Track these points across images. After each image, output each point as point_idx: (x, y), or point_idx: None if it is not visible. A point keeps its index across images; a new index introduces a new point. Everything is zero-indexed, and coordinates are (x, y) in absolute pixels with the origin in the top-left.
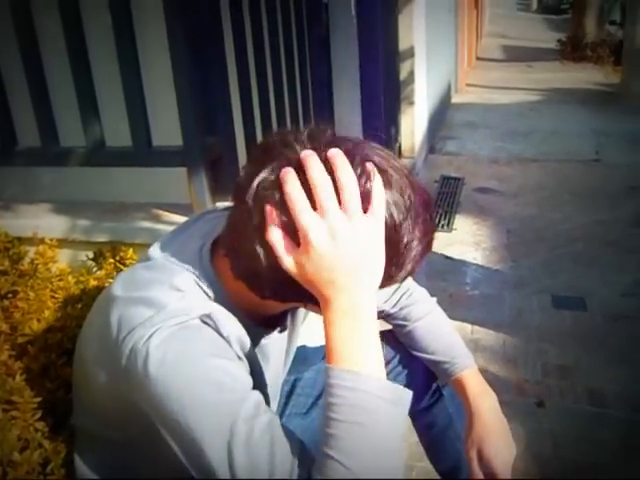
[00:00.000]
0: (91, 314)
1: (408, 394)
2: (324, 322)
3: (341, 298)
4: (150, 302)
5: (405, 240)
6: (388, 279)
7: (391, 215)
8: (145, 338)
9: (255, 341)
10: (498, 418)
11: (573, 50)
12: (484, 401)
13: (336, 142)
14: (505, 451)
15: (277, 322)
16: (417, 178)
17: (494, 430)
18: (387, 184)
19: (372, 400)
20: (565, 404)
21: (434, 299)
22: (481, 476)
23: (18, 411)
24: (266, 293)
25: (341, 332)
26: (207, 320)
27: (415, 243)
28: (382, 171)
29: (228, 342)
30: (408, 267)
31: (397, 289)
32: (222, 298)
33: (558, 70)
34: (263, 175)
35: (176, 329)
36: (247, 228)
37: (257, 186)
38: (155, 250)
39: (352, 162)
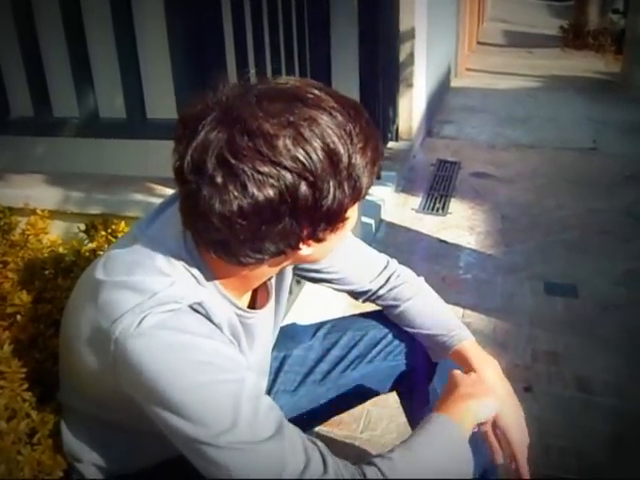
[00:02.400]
0: (76, 296)
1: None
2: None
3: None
4: (137, 288)
5: (345, 161)
6: (356, 194)
7: (328, 145)
8: (135, 324)
9: (242, 321)
10: (504, 384)
11: (575, 37)
12: (489, 369)
13: (241, 105)
14: (517, 415)
15: (264, 296)
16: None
17: (502, 397)
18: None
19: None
20: (553, 390)
21: (421, 278)
22: (499, 448)
23: (5, 380)
24: (242, 259)
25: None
26: (198, 308)
27: (358, 158)
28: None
29: (220, 329)
30: (364, 180)
31: (383, 270)
32: (210, 280)
33: (559, 57)
34: (193, 148)
35: (167, 316)
36: (198, 204)
37: (191, 161)
38: (137, 229)
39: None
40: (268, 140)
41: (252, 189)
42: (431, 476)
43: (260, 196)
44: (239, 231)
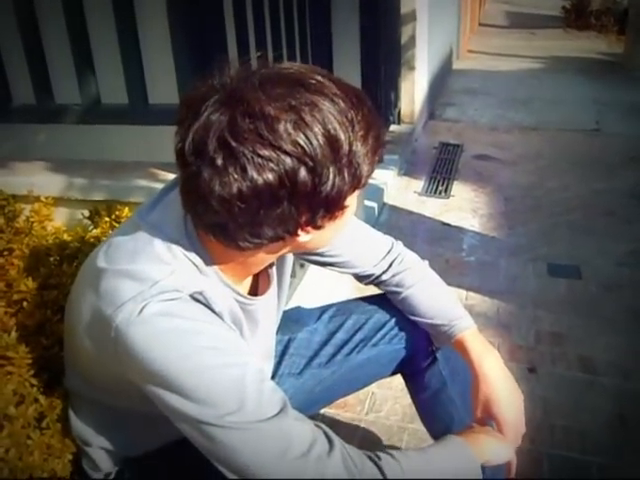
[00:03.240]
0: (78, 284)
1: None
2: None
3: None
4: (138, 276)
5: (346, 148)
6: (355, 182)
7: (329, 131)
8: (136, 312)
9: (244, 308)
10: (505, 376)
11: (577, 18)
12: (488, 360)
13: (245, 87)
14: (513, 409)
15: (266, 281)
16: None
17: (501, 388)
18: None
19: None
20: (557, 370)
21: (426, 262)
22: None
23: (13, 366)
24: (240, 243)
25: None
26: (199, 297)
27: (359, 145)
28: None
29: (221, 317)
30: (364, 168)
31: (387, 254)
32: (210, 267)
33: (561, 38)
34: (194, 130)
35: (168, 304)
36: (198, 186)
37: (192, 143)
38: (138, 215)
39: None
40: (269, 123)
41: (252, 172)
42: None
43: (259, 180)
44: (238, 214)
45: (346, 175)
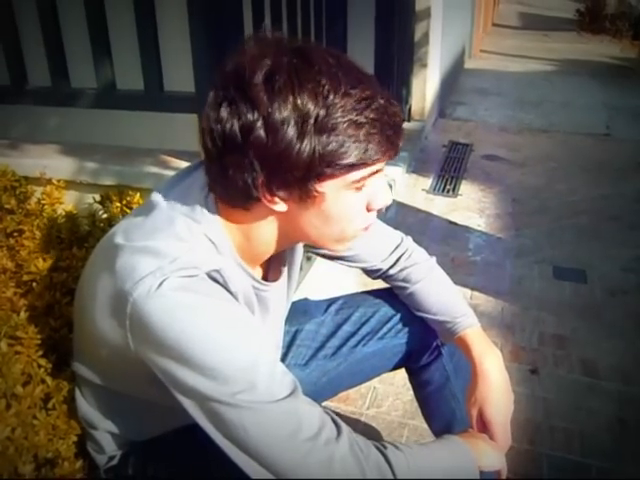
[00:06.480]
0: (92, 262)
1: None
2: None
3: None
4: (157, 252)
5: (331, 125)
6: (331, 158)
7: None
8: (155, 287)
9: (257, 293)
10: (502, 377)
11: (591, 21)
12: (489, 360)
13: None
14: (505, 411)
15: (277, 270)
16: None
17: (497, 390)
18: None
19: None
20: (559, 373)
21: (433, 258)
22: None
23: (22, 346)
24: (262, 191)
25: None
26: (216, 276)
27: (346, 122)
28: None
29: (235, 297)
30: (362, 142)
31: (395, 249)
32: (228, 249)
33: (575, 41)
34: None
35: (186, 280)
36: (229, 152)
37: (220, 112)
38: (157, 196)
39: None
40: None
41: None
42: (441, 475)
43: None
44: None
45: (312, 141)
